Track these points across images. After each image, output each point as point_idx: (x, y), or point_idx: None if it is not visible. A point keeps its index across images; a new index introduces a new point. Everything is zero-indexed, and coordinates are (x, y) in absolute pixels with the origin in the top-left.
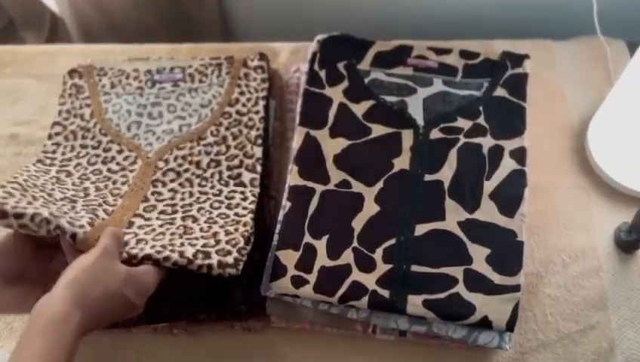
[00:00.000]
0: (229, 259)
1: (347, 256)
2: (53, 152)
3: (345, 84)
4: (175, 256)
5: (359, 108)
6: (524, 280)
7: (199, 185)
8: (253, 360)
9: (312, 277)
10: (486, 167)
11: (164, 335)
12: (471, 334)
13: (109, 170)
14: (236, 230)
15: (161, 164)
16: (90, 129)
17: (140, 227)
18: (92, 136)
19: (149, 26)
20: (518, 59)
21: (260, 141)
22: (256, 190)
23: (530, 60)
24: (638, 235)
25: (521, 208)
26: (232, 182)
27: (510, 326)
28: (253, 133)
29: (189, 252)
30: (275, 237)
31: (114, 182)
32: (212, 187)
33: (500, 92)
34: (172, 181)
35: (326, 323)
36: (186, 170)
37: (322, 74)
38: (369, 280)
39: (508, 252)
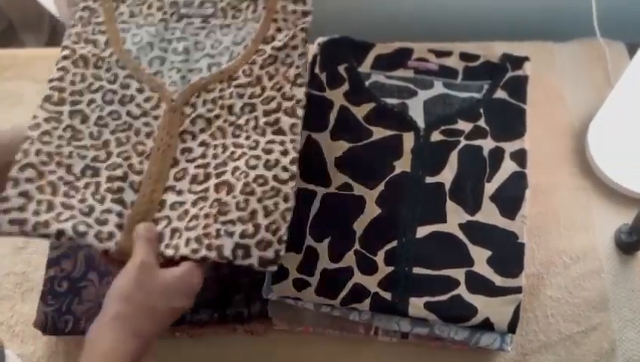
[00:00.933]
0: (270, 254)
1: (349, 259)
2: (61, 79)
3: (345, 86)
4: (213, 256)
5: (360, 111)
6: (525, 282)
7: (233, 134)
8: None
9: (313, 280)
10: (487, 169)
11: (166, 338)
12: (473, 336)
13: (128, 113)
14: (276, 206)
15: (188, 109)
16: (104, 58)
17: (172, 207)
18: (107, 67)
19: None
20: (518, 62)
21: (300, 80)
22: (298, 139)
23: (530, 62)
24: (639, 236)
25: (522, 210)
26: (269, 129)
27: (512, 327)
28: (292, 71)
29: (228, 249)
30: None
31: (137, 133)
32: (247, 137)
33: (501, 94)
34: (202, 131)
35: (328, 325)
36: (217, 117)
37: (323, 77)
38: (371, 283)
39: (509, 254)
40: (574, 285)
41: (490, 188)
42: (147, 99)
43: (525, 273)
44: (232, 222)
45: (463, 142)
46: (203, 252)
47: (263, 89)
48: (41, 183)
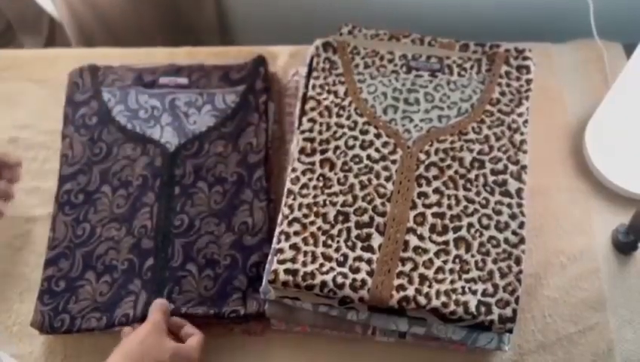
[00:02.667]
0: (508, 312)
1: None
2: (310, 130)
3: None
4: (460, 311)
5: None
6: (523, 282)
7: (464, 187)
8: None
9: None
10: None
11: None
12: (470, 335)
13: (368, 156)
14: (509, 268)
15: (422, 156)
16: (345, 107)
17: (415, 251)
18: (347, 115)
19: (147, 30)
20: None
21: (524, 147)
22: (524, 204)
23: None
24: (636, 236)
25: None
26: (497, 189)
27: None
28: (518, 137)
29: (472, 305)
30: (275, 239)
31: (377, 176)
32: (477, 193)
33: None
34: (436, 178)
35: (326, 325)
36: (449, 167)
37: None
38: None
39: None
40: (572, 285)
41: None
42: (384, 145)
43: (523, 273)
44: (473, 280)
45: None
46: (452, 306)
47: (491, 148)
48: (305, 235)
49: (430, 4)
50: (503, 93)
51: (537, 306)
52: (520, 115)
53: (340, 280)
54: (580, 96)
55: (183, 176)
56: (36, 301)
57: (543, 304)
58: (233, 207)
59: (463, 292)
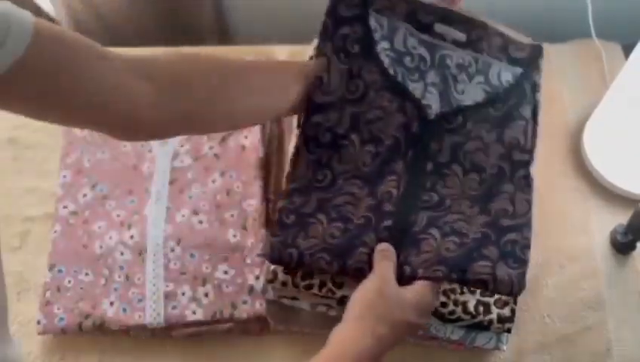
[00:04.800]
0: (507, 312)
1: None
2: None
3: None
4: (459, 311)
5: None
6: None
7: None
8: None
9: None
10: None
11: (162, 338)
12: (468, 335)
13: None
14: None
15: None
16: None
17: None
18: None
19: (146, 30)
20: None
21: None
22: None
23: None
24: (634, 236)
25: None
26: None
27: (508, 327)
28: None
29: (471, 305)
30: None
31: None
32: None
33: None
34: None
35: (324, 325)
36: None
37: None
38: None
39: None
40: (570, 285)
41: None
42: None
43: None
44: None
45: None
46: (451, 306)
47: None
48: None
49: None
50: None
51: (536, 306)
52: None
53: (338, 279)
54: (578, 96)
55: (439, 152)
56: (265, 231)
57: (541, 304)
58: (491, 195)
59: (462, 292)
